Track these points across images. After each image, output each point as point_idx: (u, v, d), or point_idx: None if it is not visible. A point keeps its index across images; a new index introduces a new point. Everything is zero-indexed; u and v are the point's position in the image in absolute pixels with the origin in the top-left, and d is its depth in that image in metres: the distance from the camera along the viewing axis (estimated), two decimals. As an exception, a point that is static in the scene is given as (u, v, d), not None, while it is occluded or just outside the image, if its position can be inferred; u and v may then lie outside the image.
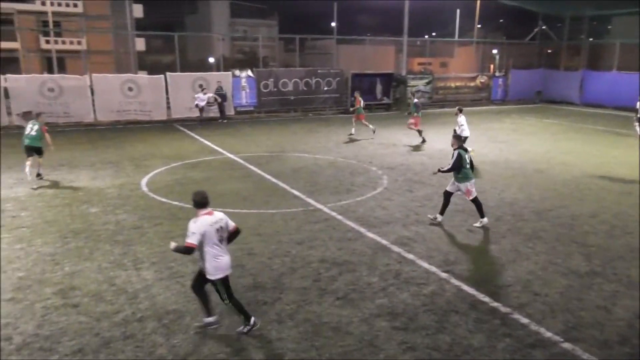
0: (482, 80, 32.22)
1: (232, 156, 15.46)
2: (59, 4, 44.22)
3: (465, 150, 8.93)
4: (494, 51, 42.08)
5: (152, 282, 6.78)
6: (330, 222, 9.31)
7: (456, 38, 44.65)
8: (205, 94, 22.72)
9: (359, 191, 11.42)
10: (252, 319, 5.47)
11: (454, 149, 8.89)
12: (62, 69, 39.44)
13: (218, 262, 5.26)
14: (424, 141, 17.63)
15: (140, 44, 46.00)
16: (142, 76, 25.46)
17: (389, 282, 6.80)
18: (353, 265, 7.34)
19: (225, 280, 5.38)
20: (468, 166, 8.87)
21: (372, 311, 5.99)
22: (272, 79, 26.25)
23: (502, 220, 9.44)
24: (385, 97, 28.93)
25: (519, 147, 17.02)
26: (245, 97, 25.48)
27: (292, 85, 26.74)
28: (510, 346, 5.31)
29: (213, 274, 5.28)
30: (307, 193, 11.18)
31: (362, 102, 19.20)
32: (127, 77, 24.14)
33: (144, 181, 12.28)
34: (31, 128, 12.00)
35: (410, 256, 7.69)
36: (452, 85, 31.65)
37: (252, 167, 13.92)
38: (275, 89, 26.29)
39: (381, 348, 5.26)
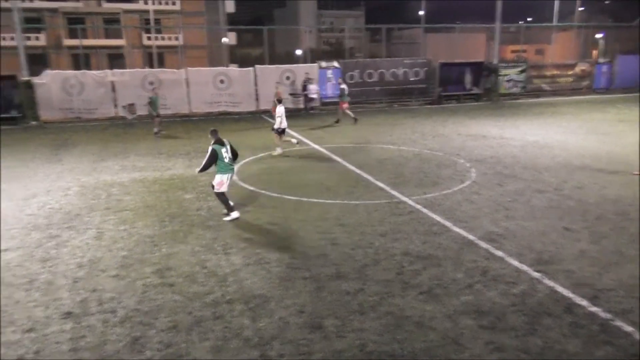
0: (583, 68, 30.01)
1: (317, 147, 15.66)
2: (159, 2, 46.98)
3: None
4: (598, 36, 38.93)
5: (240, 266, 7.06)
6: (415, 214, 9.16)
7: (554, 23, 41.84)
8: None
9: (445, 184, 11.12)
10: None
11: None
12: (161, 63, 41.98)
13: None
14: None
15: (231, 38, 47.79)
16: (233, 69, 26.47)
17: (476, 279, 6.56)
18: (438, 259, 7.18)
19: None
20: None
21: (457, 308, 5.83)
22: (357, 70, 26.21)
23: (603, 219, 8.76)
24: (474, 87, 27.85)
25: (624, 140, 15.66)
26: (331, 89, 25.66)
27: (377, 75, 26.54)
28: (611, 355, 4.93)
29: None
30: (391, 185, 11.08)
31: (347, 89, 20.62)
32: (218, 70, 25.23)
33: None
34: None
35: (499, 253, 7.37)
36: (548, 73, 29.77)
37: (336, 157, 14.01)
38: (360, 80, 26.24)
39: (466, 346, 5.11)
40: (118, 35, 46.19)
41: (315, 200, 10.09)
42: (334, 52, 46.62)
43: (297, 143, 15.44)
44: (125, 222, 8.99)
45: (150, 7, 43.99)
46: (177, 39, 46.39)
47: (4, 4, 34.70)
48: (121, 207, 9.86)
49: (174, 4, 47.85)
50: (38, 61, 35.61)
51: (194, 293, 6.29)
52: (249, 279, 6.65)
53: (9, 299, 6.17)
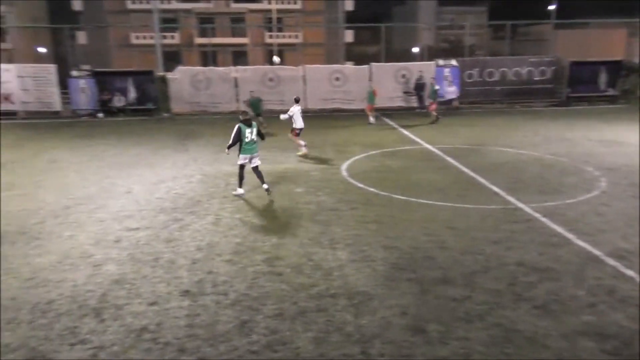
0: None
1: (429, 147, 15.30)
2: (282, 2, 48.85)
3: None
4: None
5: (346, 262, 7.13)
6: (533, 223, 8.58)
7: None
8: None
9: (569, 193, 10.27)
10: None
11: None
12: (280, 60, 43.68)
13: None
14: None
15: (348, 36, 48.31)
16: (349, 66, 26.76)
17: (600, 298, 5.98)
18: (556, 273, 6.65)
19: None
20: None
21: (576, 327, 5.36)
22: (477, 69, 25.14)
23: None
24: (610, 88, 25.37)
25: None
26: (448, 87, 24.89)
27: (499, 75, 25.24)
28: None
29: None
30: (507, 190, 10.48)
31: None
32: (335, 68, 25.65)
33: (344, 166, 12.94)
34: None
35: (630, 272, 6.64)
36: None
37: (449, 159, 13.58)
38: (480, 79, 25.15)
39: (584, 370, 4.69)
40: (243, 34, 48.85)
41: (425, 201, 9.87)
42: (452, 49, 45.14)
43: (305, 145, 14.55)
44: (240, 211, 9.50)
45: (274, 6, 45.91)
46: (296, 37, 47.96)
47: (145, 6, 38.28)
48: (237, 197, 10.42)
49: (295, 3, 49.48)
50: (172, 58, 38.92)
51: (300, 284, 6.47)
52: (353, 275, 6.69)
53: (137, 274, 6.82)
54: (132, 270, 6.94)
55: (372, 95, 20.53)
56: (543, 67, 25.37)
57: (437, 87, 20.78)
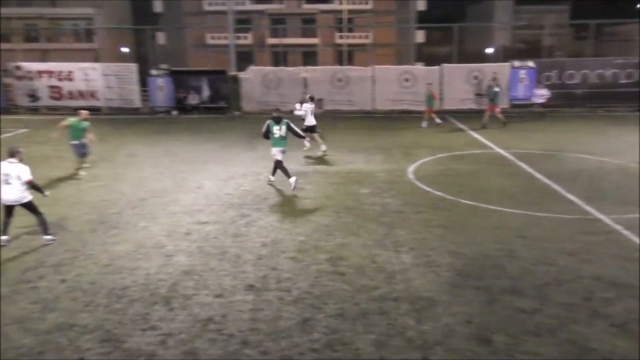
0: None
1: (501, 151, 14.75)
2: (353, 2, 48.88)
3: None
4: None
5: (409, 266, 7.01)
6: (613, 235, 8.04)
7: None
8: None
9: (655, 204, 9.54)
10: None
11: None
12: (350, 61, 43.73)
13: None
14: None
15: (420, 36, 47.51)
16: (419, 67, 26.36)
17: (688, 320, 5.51)
18: (637, 291, 6.19)
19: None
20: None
21: (659, 350, 4.97)
22: (555, 71, 23.96)
23: None
24: None
25: None
26: (523, 90, 23.89)
27: (579, 77, 23.91)
28: None
29: None
30: (585, 199, 9.89)
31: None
32: (404, 69, 25.34)
33: (410, 169, 12.75)
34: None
35: None
36: None
37: (522, 164, 13.02)
38: (558, 82, 23.92)
39: (667, 397, 4.33)
40: (313, 35, 49.34)
41: (495, 207, 9.52)
42: (529, 50, 43.23)
43: (309, 146, 15.09)
44: (305, 210, 9.61)
45: (345, 6, 46.01)
46: (366, 37, 47.80)
47: (221, 7, 39.61)
48: (302, 195, 10.55)
49: (366, 3, 49.32)
50: (244, 58, 39.98)
51: (362, 285, 6.44)
52: (417, 280, 6.58)
53: (205, 266, 7.07)
54: (201, 262, 7.20)
55: (430, 98, 20.06)
56: (630, 70, 23.73)
57: (496, 89, 19.94)
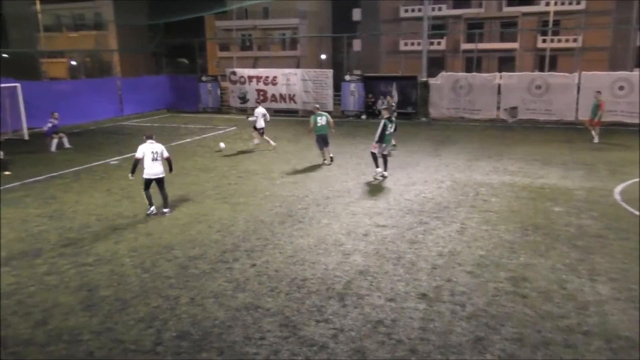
0: None
1: None
2: (562, 3, 44.72)
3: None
4: None
5: (607, 298, 6.16)
6: None
7: None
8: None
9: None
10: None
11: None
12: (552, 66, 40.14)
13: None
14: None
15: (641, 38, 41.28)
16: (637, 74, 22.85)
17: None
18: None
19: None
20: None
21: None
22: None
23: None
24: None
25: None
26: None
27: None
28: None
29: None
30: None
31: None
32: (619, 75, 22.23)
33: (617, 189, 11.18)
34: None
35: None
36: None
37: None
38: None
39: None
40: (512, 39, 46.45)
41: None
42: None
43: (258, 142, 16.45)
44: (487, 223, 9.10)
45: (552, 8, 42.28)
46: (575, 40, 43.34)
47: (417, 14, 39.80)
48: (486, 208, 10.01)
49: (578, 3, 44.66)
50: (436, 64, 39.49)
51: (547, 312, 5.86)
52: (615, 315, 5.74)
53: (380, 269, 7.18)
54: (376, 264, 7.34)
55: (596, 108, 17.26)
56: None
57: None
